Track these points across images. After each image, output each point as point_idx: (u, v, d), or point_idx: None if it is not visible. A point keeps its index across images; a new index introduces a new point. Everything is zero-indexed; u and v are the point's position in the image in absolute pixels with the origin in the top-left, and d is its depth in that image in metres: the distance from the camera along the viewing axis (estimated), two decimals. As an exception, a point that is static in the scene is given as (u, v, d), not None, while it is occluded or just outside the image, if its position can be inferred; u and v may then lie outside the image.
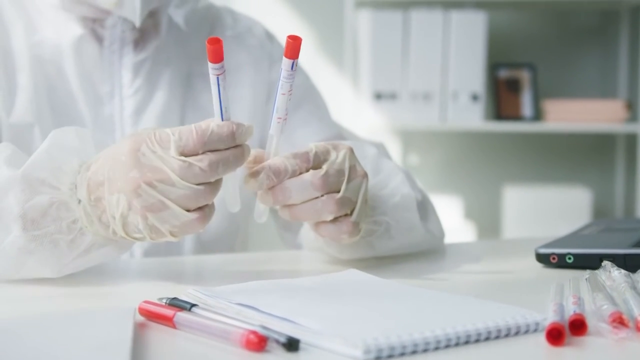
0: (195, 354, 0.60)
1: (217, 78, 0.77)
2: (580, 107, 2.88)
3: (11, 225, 0.80)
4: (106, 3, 1.04)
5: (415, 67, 2.84)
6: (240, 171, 0.81)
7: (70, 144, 0.83)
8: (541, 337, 0.60)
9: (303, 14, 3.09)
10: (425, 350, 0.58)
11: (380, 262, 0.94)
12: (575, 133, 3.04)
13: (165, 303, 0.68)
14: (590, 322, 0.62)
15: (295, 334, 0.58)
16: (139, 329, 0.65)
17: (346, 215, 0.85)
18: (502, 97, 2.99)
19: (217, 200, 0.80)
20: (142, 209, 0.76)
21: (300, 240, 1.18)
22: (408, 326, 0.59)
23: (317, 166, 0.83)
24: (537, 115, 2.96)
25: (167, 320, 0.65)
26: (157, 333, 0.64)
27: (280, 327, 0.60)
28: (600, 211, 3.05)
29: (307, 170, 0.83)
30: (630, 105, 2.94)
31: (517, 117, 2.96)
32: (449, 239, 1.09)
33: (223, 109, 0.78)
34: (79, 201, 0.80)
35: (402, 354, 0.57)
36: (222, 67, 0.76)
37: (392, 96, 2.85)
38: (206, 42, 0.75)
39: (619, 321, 0.61)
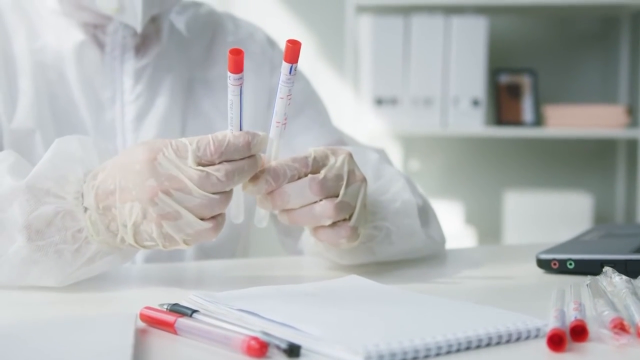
0: (196, 359, 0.60)
1: (239, 88, 0.77)
2: (581, 113, 2.88)
3: (15, 235, 0.80)
4: (107, 9, 1.05)
5: (416, 73, 2.84)
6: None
7: (73, 153, 0.83)
8: (542, 343, 0.60)
9: (304, 19, 3.09)
10: (426, 357, 0.58)
11: (381, 267, 0.94)
12: (576, 138, 3.04)
13: (167, 309, 0.68)
14: (592, 328, 0.62)
15: (296, 340, 0.58)
16: (140, 335, 0.65)
17: (345, 220, 0.85)
18: (503, 103, 2.99)
19: None
20: (157, 217, 0.77)
21: (301, 246, 1.18)
22: (409, 332, 0.59)
23: (315, 171, 0.84)
24: (538, 121, 2.96)
25: (169, 326, 0.65)
26: (159, 339, 0.64)
27: (281, 333, 0.60)
28: (601, 216, 3.05)
29: (306, 175, 0.83)
30: (631, 111, 2.94)
31: (518, 122, 2.96)
32: (449, 244, 1.09)
33: (242, 119, 0.79)
34: (86, 210, 0.81)
35: (403, 360, 0.57)
36: (242, 77, 0.77)
37: (393, 101, 2.85)
38: (228, 52, 0.75)
39: (620, 327, 0.61)
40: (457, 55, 2.83)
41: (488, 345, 0.61)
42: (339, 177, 0.84)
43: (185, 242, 0.79)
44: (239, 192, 0.85)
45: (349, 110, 2.88)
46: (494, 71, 3.01)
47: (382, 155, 1.16)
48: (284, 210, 0.85)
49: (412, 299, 0.74)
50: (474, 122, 2.84)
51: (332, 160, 0.85)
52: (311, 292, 0.77)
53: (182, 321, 0.64)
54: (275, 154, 0.84)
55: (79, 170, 0.82)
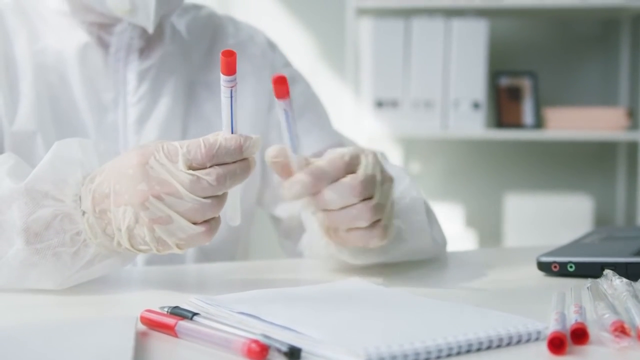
0: (197, 362, 0.60)
1: (230, 91, 0.77)
2: (581, 115, 2.89)
3: (14, 238, 0.80)
4: (119, 10, 1.04)
5: (416, 75, 2.84)
6: (241, 185, 0.81)
7: (73, 156, 0.83)
8: (543, 346, 0.60)
9: (305, 22, 3.09)
10: (427, 359, 0.58)
11: (381, 270, 0.94)
12: (576, 141, 3.04)
13: (167, 312, 0.68)
14: (592, 331, 0.62)
15: (297, 343, 0.58)
16: (140, 337, 0.65)
17: (378, 220, 0.85)
18: (503, 105, 2.99)
19: None
20: (149, 222, 0.77)
21: (300, 249, 1.18)
22: (410, 335, 0.59)
23: (351, 171, 0.83)
24: (538, 123, 2.96)
25: (169, 329, 0.65)
26: (159, 342, 0.64)
27: (282, 336, 0.60)
28: (601, 219, 3.05)
29: (344, 175, 0.83)
30: (631, 113, 2.94)
31: (518, 125, 2.96)
32: (450, 247, 1.08)
33: (234, 122, 0.78)
34: (83, 213, 0.81)
35: (404, 363, 0.57)
36: (235, 79, 0.76)
37: (394, 104, 2.85)
38: (220, 54, 0.75)
39: (621, 330, 0.61)
40: (458, 58, 2.83)
41: (489, 348, 0.61)
42: (373, 178, 0.84)
43: (179, 247, 0.79)
44: (236, 195, 0.85)
45: (350, 112, 2.88)
46: (495, 74, 3.01)
47: (383, 157, 1.16)
48: (324, 211, 0.84)
49: (413, 302, 0.74)
50: (474, 125, 2.84)
51: (363, 159, 0.85)
52: (312, 294, 0.77)
53: (183, 324, 0.64)
54: (297, 168, 0.83)
55: (78, 173, 0.82)
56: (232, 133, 0.78)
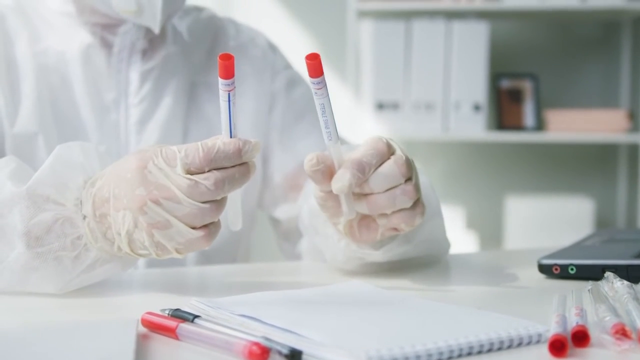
0: (198, 365, 0.60)
1: (228, 94, 0.76)
2: (582, 117, 2.89)
3: (15, 242, 0.80)
4: (125, 12, 1.04)
5: (417, 77, 2.84)
6: (241, 189, 0.81)
7: (74, 160, 0.83)
8: (544, 349, 0.60)
9: (305, 24, 3.10)
10: (427, 362, 0.58)
11: (382, 273, 0.94)
12: (577, 143, 3.04)
13: (168, 314, 0.68)
14: (593, 333, 0.62)
15: (297, 345, 0.58)
16: (141, 340, 0.65)
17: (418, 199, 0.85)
18: (504, 107, 2.99)
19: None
20: (148, 226, 0.77)
21: (298, 251, 1.18)
22: (410, 338, 0.59)
23: (391, 153, 0.83)
24: (539, 125, 2.96)
25: (170, 332, 0.65)
26: (160, 344, 0.64)
27: (283, 339, 0.60)
28: (602, 221, 3.05)
29: (388, 158, 0.82)
30: (632, 115, 2.94)
31: (519, 127, 2.96)
32: (451, 249, 1.08)
33: (232, 126, 0.78)
34: (84, 217, 0.81)
35: (405, 366, 0.57)
36: (233, 83, 0.76)
37: (394, 106, 2.85)
38: (218, 58, 0.74)
39: (622, 332, 0.61)
40: (459, 60, 2.83)
41: (489, 350, 0.61)
42: (408, 159, 0.83)
43: (178, 251, 0.79)
44: (237, 199, 0.84)
45: (350, 114, 2.88)
46: (495, 76, 3.01)
47: None
48: (362, 197, 0.83)
49: (414, 304, 0.74)
50: (475, 127, 2.84)
51: (393, 143, 0.84)
52: (313, 297, 0.77)
53: (184, 327, 0.64)
54: (337, 157, 0.82)
55: (79, 177, 0.82)
56: (230, 137, 0.78)
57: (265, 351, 0.57)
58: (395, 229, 0.85)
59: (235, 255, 1.22)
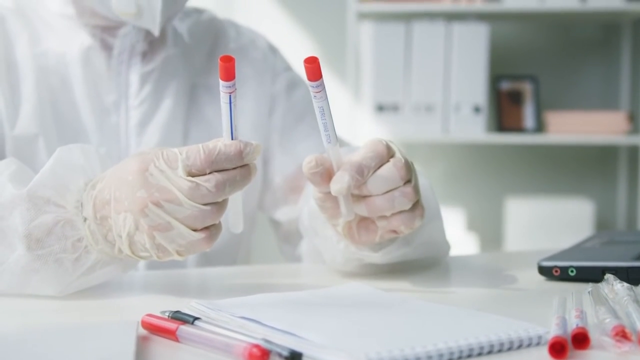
0: (198, 367, 0.60)
1: (229, 96, 0.76)
2: (582, 119, 2.89)
3: (16, 244, 0.80)
4: (125, 14, 1.04)
5: (417, 79, 2.84)
6: (242, 191, 0.81)
7: (75, 162, 0.83)
8: (544, 351, 0.60)
9: (305, 26, 3.10)
10: (428, 364, 0.58)
11: (382, 275, 0.94)
12: (577, 145, 3.04)
13: (168, 316, 0.68)
14: (593, 335, 0.62)
15: (298, 348, 0.58)
16: (142, 342, 0.65)
17: (417, 201, 0.85)
18: (504, 109, 2.99)
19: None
20: (149, 229, 0.77)
21: (299, 253, 1.18)
22: (411, 340, 0.59)
23: (390, 155, 0.83)
24: (539, 127, 2.96)
25: (170, 334, 0.65)
26: (160, 346, 0.64)
27: (283, 341, 0.60)
28: (602, 223, 3.05)
29: (388, 160, 0.82)
30: (632, 117, 2.94)
31: (519, 129, 2.96)
32: (451, 251, 1.08)
33: (233, 128, 0.78)
34: (85, 219, 0.81)
35: (405, 368, 0.57)
36: (234, 85, 0.76)
37: (394, 108, 2.85)
38: (219, 60, 0.74)
39: (622, 335, 0.61)
40: (459, 62, 2.83)
41: (490, 352, 0.61)
42: (407, 161, 0.83)
43: (179, 253, 0.79)
44: (238, 202, 0.84)
45: (350, 116, 2.88)
46: (495, 78, 3.01)
47: None
48: (361, 199, 0.83)
49: (414, 306, 0.74)
50: (475, 129, 2.84)
51: (393, 145, 0.84)
52: (313, 299, 0.77)
53: (184, 329, 0.64)
54: (336, 160, 0.82)
55: (79, 180, 0.82)
56: (232, 139, 0.78)
57: (265, 353, 0.57)
58: (395, 232, 0.85)
59: (235, 257, 1.22)
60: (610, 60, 3.12)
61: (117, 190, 0.78)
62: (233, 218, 0.86)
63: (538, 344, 0.63)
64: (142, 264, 1.12)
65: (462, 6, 2.85)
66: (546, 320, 0.65)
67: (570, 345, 0.61)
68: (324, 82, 0.78)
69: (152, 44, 1.14)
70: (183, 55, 1.18)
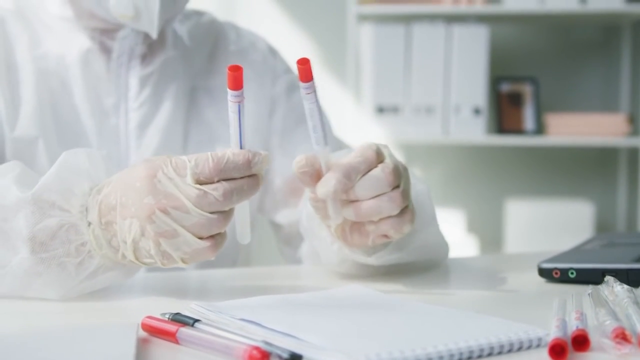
0: (198, 369, 0.60)
1: (238, 106, 0.76)
2: (582, 121, 2.89)
3: (19, 247, 0.80)
4: (123, 17, 1.04)
5: (417, 81, 2.84)
6: (250, 202, 0.81)
7: (80, 166, 0.83)
8: (544, 353, 0.60)
9: (306, 28, 3.10)
10: (428, 366, 0.58)
11: (382, 277, 0.94)
12: (577, 147, 3.04)
13: (168, 318, 0.68)
14: (593, 337, 0.62)
15: (297, 350, 0.58)
16: (142, 344, 0.65)
17: (406, 206, 0.84)
18: (504, 111, 2.99)
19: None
20: (155, 235, 0.77)
21: (300, 255, 1.18)
22: (410, 342, 0.59)
23: (379, 160, 0.83)
24: (539, 129, 2.97)
25: (170, 336, 0.65)
26: (160, 349, 0.64)
27: (283, 343, 0.60)
28: (602, 225, 3.05)
29: (376, 166, 0.82)
30: (632, 119, 2.94)
31: (519, 130, 2.96)
32: (451, 253, 1.08)
33: (242, 137, 0.78)
34: (89, 224, 0.81)
35: (405, 370, 0.57)
36: (242, 94, 0.76)
37: (395, 110, 2.85)
38: (227, 69, 0.74)
39: (622, 337, 0.61)
40: (459, 64, 2.83)
41: (489, 354, 0.61)
42: (398, 166, 0.83)
43: (183, 261, 0.79)
44: (246, 212, 0.84)
45: (350, 118, 2.88)
46: (495, 79, 3.01)
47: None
48: (350, 205, 0.82)
49: (413, 308, 0.74)
50: (475, 131, 2.84)
51: (384, 150, 0.84)
52: (313, 301, 0.77)
53: (184, 331, 0.64)
54: (326, 162, 0.82)
55: (84, 184, 0.82)
56: (240, 148, 0.78)
57: (265, 355, 0.57)
58: (386, 236, 0.85)
59: (235, 259, 1.22)
60: (610, 62, 3.12)
61: (123, 196, 0.78)
62: (240, 228, 0.85)
63: (538, 346, 0.63)
64: (142, 265, 1.11)
65: (462, 8, 2.85)
66: (546, 322, 0.65)
67: (570, 347, 0.61)
68: (315, 84, 0.78)
69: (151, 47, 1.14)
70: (183, 57, 1.18)
